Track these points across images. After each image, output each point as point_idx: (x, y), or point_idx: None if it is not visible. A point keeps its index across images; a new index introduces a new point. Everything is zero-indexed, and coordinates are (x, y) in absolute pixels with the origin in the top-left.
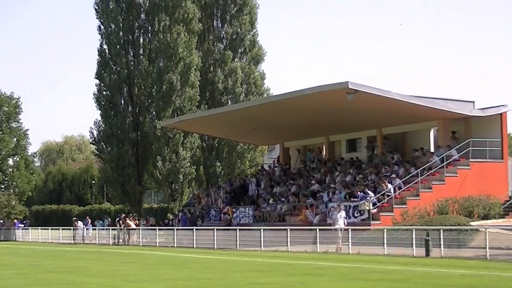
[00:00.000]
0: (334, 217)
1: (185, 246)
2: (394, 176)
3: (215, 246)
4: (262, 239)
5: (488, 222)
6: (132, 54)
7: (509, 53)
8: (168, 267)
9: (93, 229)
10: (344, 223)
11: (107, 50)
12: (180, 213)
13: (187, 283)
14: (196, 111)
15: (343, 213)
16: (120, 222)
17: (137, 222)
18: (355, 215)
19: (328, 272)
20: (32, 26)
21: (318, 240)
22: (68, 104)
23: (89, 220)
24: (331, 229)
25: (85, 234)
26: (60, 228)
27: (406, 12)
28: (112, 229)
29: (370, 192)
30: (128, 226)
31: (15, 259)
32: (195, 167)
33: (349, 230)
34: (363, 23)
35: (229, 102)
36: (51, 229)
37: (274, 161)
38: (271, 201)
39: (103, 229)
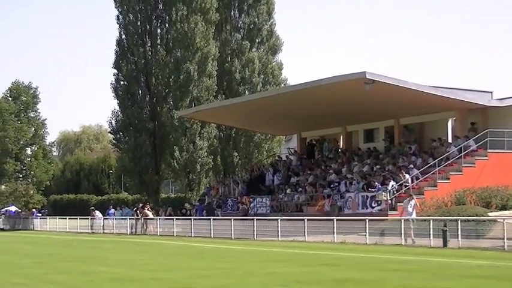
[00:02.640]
0: (405, 207)
1: (202, 236)
2: (411, 166)
3: (232, 236)
4: (279, 229)
5: (506, 213)
6: (149, 44)
7: None
8: (185, 256)
9: (116, 218)
10: (413, 213)
11: (124, 40)
12: (197, 203)
13: (204, 272)
14: (214, 101)
15: (412, 202)
16: (138, 211)
17: (159, 210)
18: (373, 205)
19: (345, 262)
20: (51, 15)
21: (335, 230)
22: (85, 93)
23: (113, 210)
24: (348, 219)
25: (109, 223)
26: (78, 217)
27: (424, 0)
28: (130, 219)
29: (391, 183)
30: (146, 215)
31: (32, 248)
32: (212, 157)
33: (367, 221)
34: (381, 13)
35: (246, 92)
36: (68, 218)
37: (291, 151)
38: (288, 191)
39: (123, 218)
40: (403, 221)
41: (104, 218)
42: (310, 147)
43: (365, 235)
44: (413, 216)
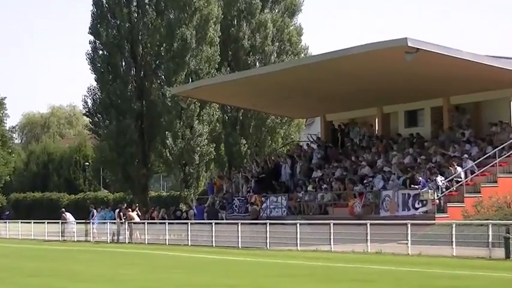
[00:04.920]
0: None
1: (202, 244)
2: (465, 156)
3: (239, 245)
4: (298, 236)
5: None
6: (135, 3)
7: None
8: (180, 270)
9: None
10: None
11: None
12: (196, 203)
13: None
14: (216, 75)
15: None
16: (121, 214)
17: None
18: (416, 206)
19: (382, 278)
20: None
21: (369, 237)
22: (54, 66)
23: (94, 211)
24: (385, 224)
25: (92, 228)
26: (46, 221)
27: None
28: (111, 223)
29: (439, 177)
30: (131, 219)
31: None
32: (215, 145)
33: (408, 225)
34: None
35: (257, 63)
36: (34, 223)
37: (313, 138)
38: (309, 188)
39: (103, 223)
40: (454, 226)
41: (87, 222)
42: (337, 133)
43: (406, 243)
44: None
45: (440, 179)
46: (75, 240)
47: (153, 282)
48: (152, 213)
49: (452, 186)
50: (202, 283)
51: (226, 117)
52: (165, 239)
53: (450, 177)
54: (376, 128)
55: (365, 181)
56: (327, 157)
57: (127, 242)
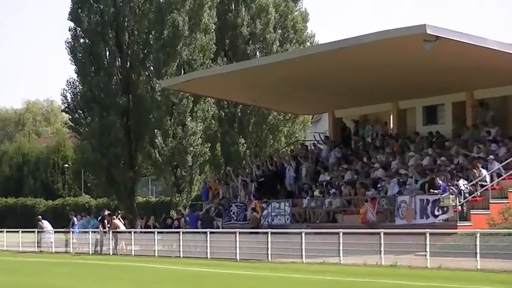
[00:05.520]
0: None
1: (195, 256)
2: (491, 157)
3: (237, 257)
4: (303, 247)
5: None
6: None
7: None
8: (171, 285)
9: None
10: None
11: None
12: (189, 210)
13: None
14: (211, 66)
15: None
16: (105, 222)
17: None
18: (436, 213)
19: None
20: None
21: (382, 248)
22: (30, 56)
23: (74, 219)
24: (400, 233)
25: (72, 238)
26: (20, 230)
27: None
28: (93, 232)
29: (461, 181)
30: (115, 228)
31: None
32: (210, 145)
33: (427, 235)
34: None
35: (257, 53)
36: (7, 231)
37: (320, 137)
38: (316, 193)
39: (84, 232)
40: (478, 235)
41: (67, 231)
42: (347, 131)
43: (425, 255)
44: None
45: (462, 183)
46: (53, 251)
47: None
48: (147, 221)
49: (477, 190)
50: None
51: (223, 114)
52: (154, 250)
53: (474, 181)
54: (391, 126)
55: (378, 185)
56: (336, 158)
57: (111, 253)
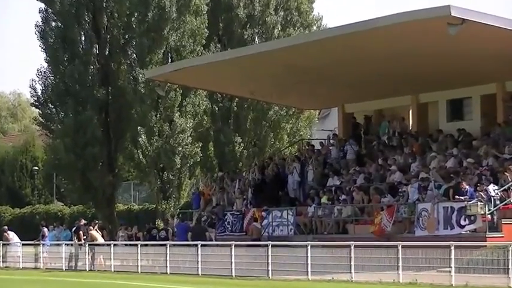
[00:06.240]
0: None
1: (185, 273)
2: None
3: (233, 273)
4: (309, 262)
5: None
6: None
7: None
8: None
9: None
10: None
11: None
12: (177, 220)
13: None
14: (203, 53)
15: None
16: (80, 233)
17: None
18: (462, 222)
19: None
20: None
21: (400, 263)
22: None
23: (45, 230)
24: (421, 246)
25: (43, 252)
26: None
27: None
28: (67, 245)
29: (491, 186)
30: (92, 240)
31: None
32: (201, 145)
33: (452, 248)
34: None
35: (256, 39)
36: None
37: (329, 136)
38: (324, 200)
39: (56, 244)
40: (511, 248)
41: (37, 244)
42: (359, 128)
43: (449, 271)
44: None
45: (492, 188)
46: (21, 267)
47: None
48: (137, 233)
49: (509, 197)
50: None
51: (216, 109)
52: (137, 266)
53: (506, 186)
54: (410, 122)
55: (396, 191)
56: (347, 159)
57: (88, 269)
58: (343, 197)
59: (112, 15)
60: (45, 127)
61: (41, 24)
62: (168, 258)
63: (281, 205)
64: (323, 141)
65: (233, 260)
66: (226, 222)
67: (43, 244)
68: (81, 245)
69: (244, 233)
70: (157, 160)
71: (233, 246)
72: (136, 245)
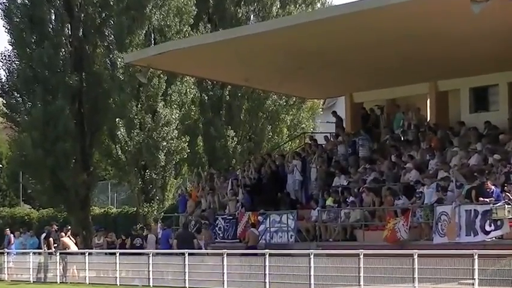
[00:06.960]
0: None
1: (169, 285)
2: None
3: (225, 286)
4: (312, 272)
5: None
6: None
7: None
8: None
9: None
10: None
11: None
12: (161, 225)
13: None
14: (191, 34)
15: None
16: (50, 240)
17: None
18: (486, 228)
19: None
20: None
21: (416, 274)
22: None
23: (11, 236)
24: (440, 255)
25: (7, 261)
26: None
27: None
28: (35, 253)
29: None
30: (64, 248)
31: None
32: (189, 139)
33: (475, 257)
34: None
35: (251, 18)
36: None
37: (337, 130)
38: (329, 202)
39: (23, 253)
40: None
41: (1, 252)
42: (369, 120)
43: (472, 284)
44: None
45: None
46: None
47: None
48: (124, 240)
49: None
50: None
51: (206, 98)
52: (116, 278)
53: None
54: (428, 114)
55: (412, 192)
56: (355, 156)
57: (59, 281)
58: (351, 198)
59: None
60: (10, 119)
61: (5, 1)
62: (150, 268)
63: (280, 208)
64: (328, 135)
65: (225, 271)
66: (217, 228)
67: (8, 253)
68: (51, 253)
69: (238, 240)
70: (139, 157)
71: (225, 255)
72: (114, 253)
